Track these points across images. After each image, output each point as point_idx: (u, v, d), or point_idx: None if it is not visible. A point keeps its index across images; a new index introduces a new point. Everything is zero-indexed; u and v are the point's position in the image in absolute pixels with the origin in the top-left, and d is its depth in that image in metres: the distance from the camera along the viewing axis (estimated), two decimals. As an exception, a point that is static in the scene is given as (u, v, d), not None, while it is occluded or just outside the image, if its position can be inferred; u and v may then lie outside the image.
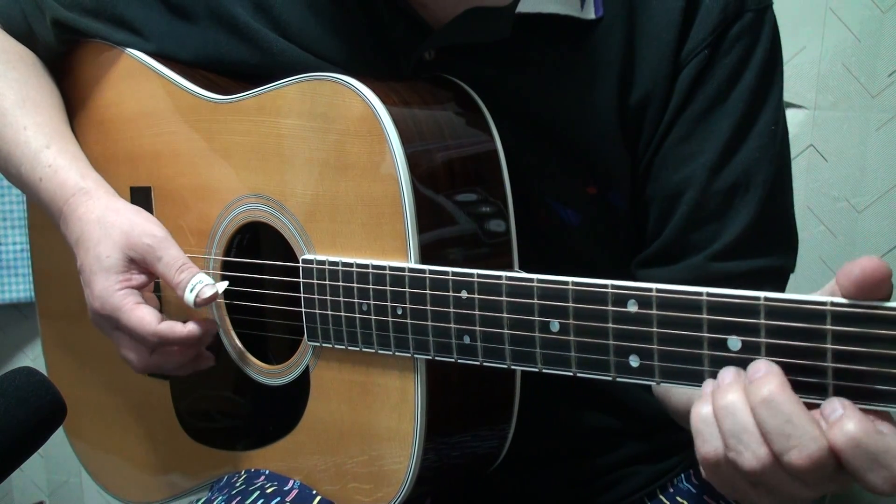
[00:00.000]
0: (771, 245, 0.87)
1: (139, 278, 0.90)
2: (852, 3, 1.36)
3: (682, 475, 1.01)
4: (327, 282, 0.83)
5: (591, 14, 0.84)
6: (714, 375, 0.63)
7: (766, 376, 0.59)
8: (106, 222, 0.91)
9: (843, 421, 0.56)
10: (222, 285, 0.90)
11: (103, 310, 0.89)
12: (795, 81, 1.38)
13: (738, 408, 0.59)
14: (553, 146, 0.88)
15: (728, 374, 0.61)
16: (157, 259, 0.90)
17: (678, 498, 0.99)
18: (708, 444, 0.61)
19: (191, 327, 0.90)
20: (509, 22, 0.83)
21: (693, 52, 0.84)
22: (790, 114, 1.35)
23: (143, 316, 0.88)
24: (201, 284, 0.88)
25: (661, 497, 1.00)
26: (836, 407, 0.57)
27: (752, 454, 0.58)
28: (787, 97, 0.90)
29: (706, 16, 0.83)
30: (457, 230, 0.82)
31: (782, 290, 0.87)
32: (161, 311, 0.92)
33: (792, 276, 0.89)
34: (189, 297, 0.88)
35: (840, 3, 1.36)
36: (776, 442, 0.57)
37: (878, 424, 0.57)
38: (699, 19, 0.84)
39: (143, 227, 0.91)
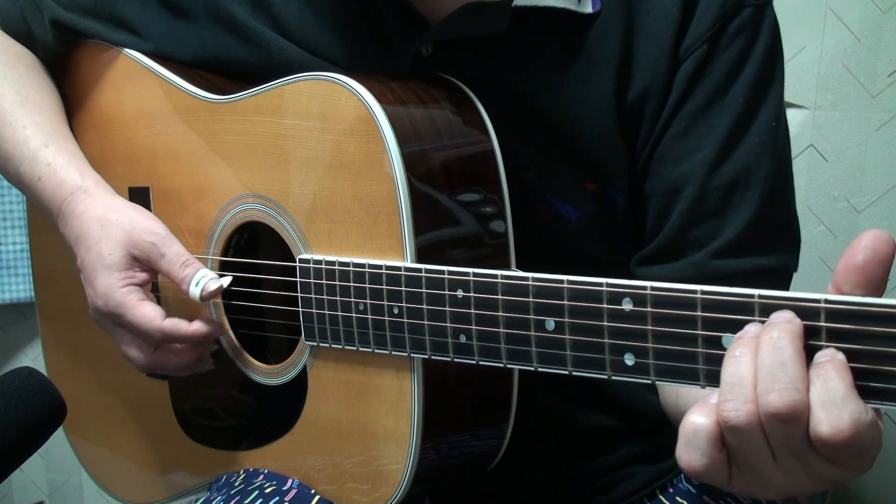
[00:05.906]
0: (773, 243, 0.86)
1: (141, 276, 0.91)
2: (852, 3, 1.35)
3: (682, 475, 1.01)
4: (324, 281, 0.83)
5: (588, 8, 0.84)
6: (709, 374, 0.62)
7: (785, 324, 0.58)
8: (106, 220, 0.91)
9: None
10: (227, 279, 0.90)
11: (106, 307, 0.90)
12: (795, 81, 1.38)
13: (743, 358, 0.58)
14: (551, 141, 0.88)
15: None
16: (160, 256, 0.90)
17: (678, 498, 0.99)
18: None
19: (196, 326, 0.90)
20: (506, 15, 0.83)
21: (692, 46, 0.84)
22: (790, 114, 1.34)
23: (148, 312, 0.88)
24: (206, 279, 0.88)
25: (661, 497, 0.99)
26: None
27: (742, 402, 0.57)
28: (787, 97, 0.90)
29: (705, 10, 0.83)
30: (453, 230, 0.82)
31: (786, 289, 0.87)
32: None
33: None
34: (195, 290, 0.88)
35: (840, 3, 1.36)
36: (763, 381, 0.57)
37: None
38: (698, 14, 0.83)
39: (144, 225, 0.91)
